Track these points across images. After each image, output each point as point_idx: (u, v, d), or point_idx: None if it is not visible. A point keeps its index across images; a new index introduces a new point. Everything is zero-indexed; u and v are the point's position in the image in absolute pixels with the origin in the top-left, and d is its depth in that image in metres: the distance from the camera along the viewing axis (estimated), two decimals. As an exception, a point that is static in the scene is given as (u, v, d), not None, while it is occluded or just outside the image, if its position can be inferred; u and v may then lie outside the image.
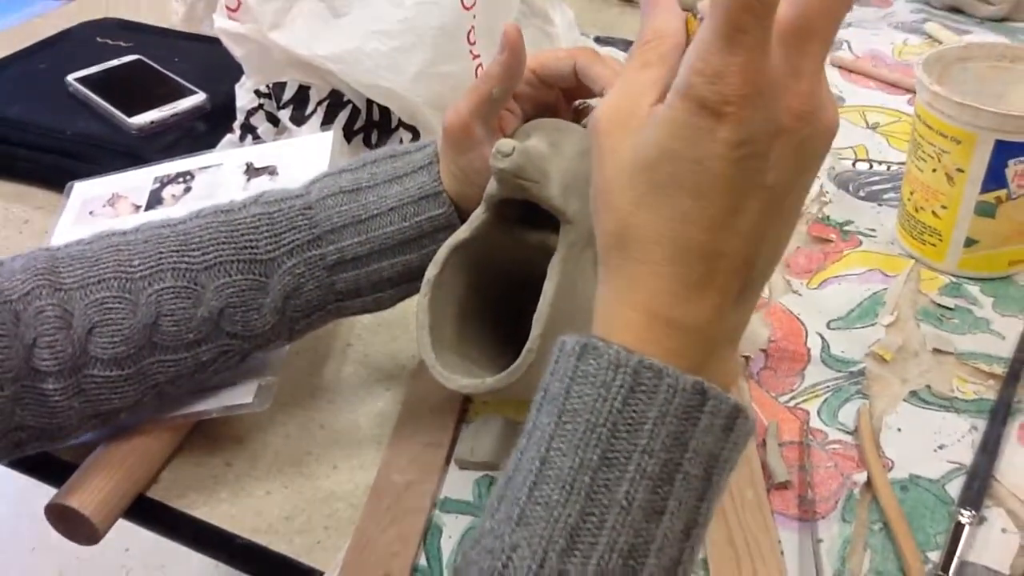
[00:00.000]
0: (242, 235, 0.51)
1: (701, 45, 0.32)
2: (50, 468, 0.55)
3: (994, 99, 0.70)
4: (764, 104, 0.32)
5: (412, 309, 0.51)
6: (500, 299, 0.53)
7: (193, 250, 0.50)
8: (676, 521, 0.32)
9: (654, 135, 0.34)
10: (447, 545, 0.50)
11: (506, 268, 0.52)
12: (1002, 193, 0.64)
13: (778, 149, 0.33)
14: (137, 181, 0.73)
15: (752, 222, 0.34)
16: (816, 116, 0.33)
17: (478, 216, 0.50)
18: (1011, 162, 0.63)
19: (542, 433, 0.33)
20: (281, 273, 0.51)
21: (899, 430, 0.56)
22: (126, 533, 0.54)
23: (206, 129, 0.85)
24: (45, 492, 0.53)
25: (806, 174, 0.35)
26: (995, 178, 0.64)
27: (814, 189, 0.80)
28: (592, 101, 0.56)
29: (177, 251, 0.50)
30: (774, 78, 0.32)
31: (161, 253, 0.50)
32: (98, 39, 1.02)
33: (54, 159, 0.83)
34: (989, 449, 0.54)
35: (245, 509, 0.53)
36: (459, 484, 0.54)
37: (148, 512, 0.54)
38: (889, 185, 0.80)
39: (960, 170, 0.65)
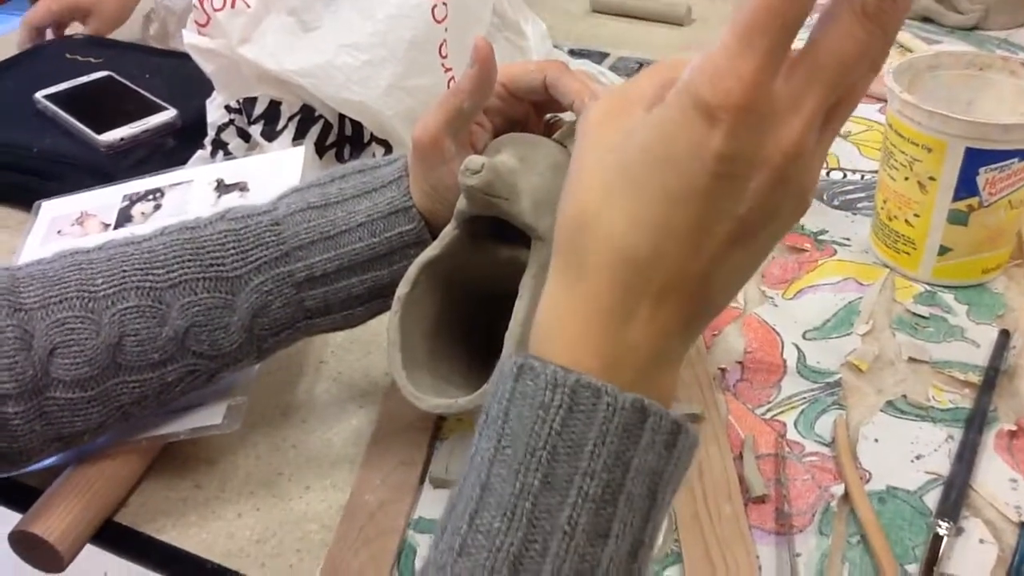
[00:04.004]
0: (208, 252, 0.50)
1: (713, 47, 0.30)
2: (15, 494, 0.54)
3: (964, 107, 0.70)
4: (757, 126, 0.30)
5: (385, 326, 0.50)
6: (473, 316, 0.52)
7: (158, 268, 0.50)
8: (622, 543, 0.31)
9: (643, 129, 0.32)
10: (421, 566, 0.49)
11: (478, 284, 0.52)
12: (974, 201, 0.64)
13: (757, 180, 0.31)
14: (106, 199, 0.72)
15: (716, 249, 0.32)
16: (802, 162, 0.31)
17: (449, 232, 0.50)
18: (982, 170, 0.63)
19: (482, 458, 0.32)
20: (248, 291, 0.50)
21: (876, 440, 0.56)
22: (103, 559, 0.53)
23: (177, 145, 0.84)
24: (14, 520, 0.51)
25: (777, 220, 0.33)
26: (966, 186, 0.64)
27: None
28: (563, 115, 0.56)
29: (141, 269, 0.49)
30: (774, 103, 0.30)
31: (125, 271, 0.49)
32: (67, 55, 1.01)
33: (21, 177, 0.82)
34: (966, 459, 0.54)
35: (216, 532, 0.52)
36: (434, 503, 0.53)
37: (116, 537, 0.53)
38: (863, 194, 0.80)
39: (932, 178, 0.65)
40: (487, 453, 0.32)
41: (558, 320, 0.33)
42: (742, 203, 0.31)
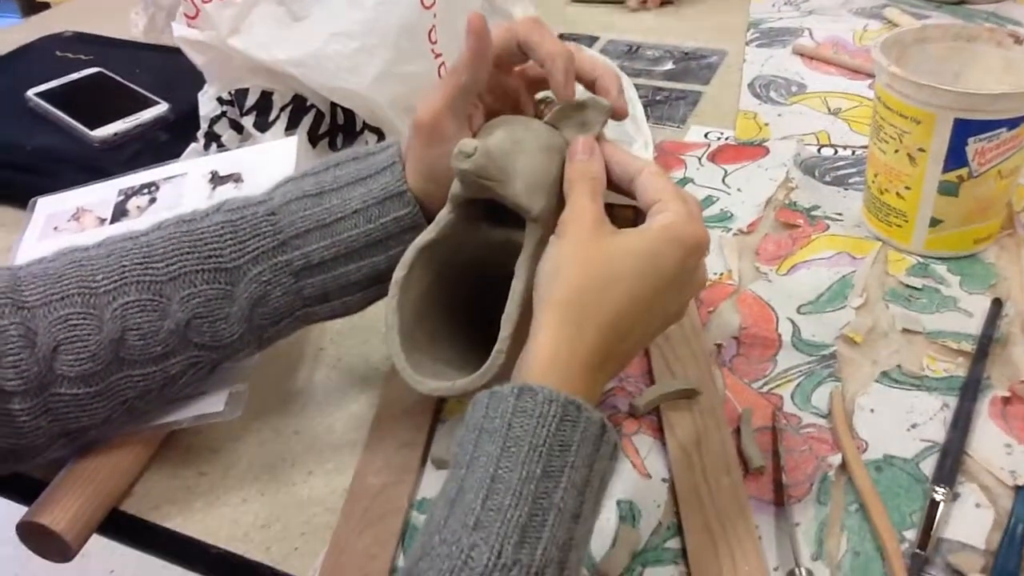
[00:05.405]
0: (206, 244, 0.50)
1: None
2: (21, 486, 0.55)
3: (951, 78, 0.71)
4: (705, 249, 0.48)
5: (384, 311, 0.50)
6: (469, 297, 0.53)
7: (157, 262, 0.50)
8: (586, 523, 0.39)
9: (639, 248, 0.45)
10: (426, 546, 0.50)
11: (474, 266, 0.52)
12: (963, 171, 0.65)
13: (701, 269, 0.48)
14: (101, 194, 0.72)
15: (662, 323, 0.47)
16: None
17: (444, 216, 0.50)
18: (971, 140, 0.63)
19: (488, 458, 0.38)
20: (247, 281, 0.51)
21: (872, 411, 0.57)
22: (110, 553, 0.54)
23: (170, 139, 0.85)
24: (20, 513, 0.52)
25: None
26: (956, 157, 0.64)
27: (780, 175, 0.80)
28: (549, 93, 0.56)
29: (141, 264, 0.50)
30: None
31: (124, 267, 0.50)
32: (58, 53, 1.01)
33: (15, 175, 0.82)
34: (960, 426, 0.54)
35: (220, 518, 0.53)
36: (435, 483, 0.53)
37: (122, 526, 0.53)
38: (854, 169, 0.80)
39: (921, 150, 0.65)
40: (493, 453, 0.38)
41: (555, 364, 0.42)
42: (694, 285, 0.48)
